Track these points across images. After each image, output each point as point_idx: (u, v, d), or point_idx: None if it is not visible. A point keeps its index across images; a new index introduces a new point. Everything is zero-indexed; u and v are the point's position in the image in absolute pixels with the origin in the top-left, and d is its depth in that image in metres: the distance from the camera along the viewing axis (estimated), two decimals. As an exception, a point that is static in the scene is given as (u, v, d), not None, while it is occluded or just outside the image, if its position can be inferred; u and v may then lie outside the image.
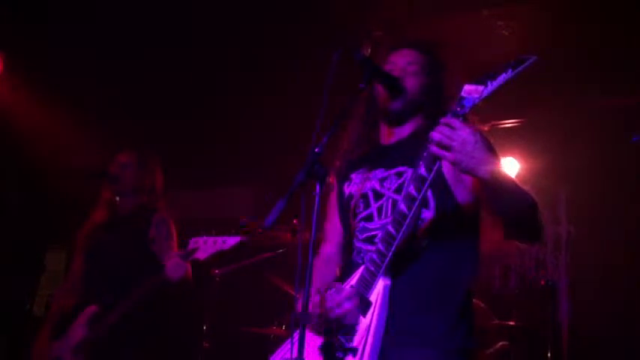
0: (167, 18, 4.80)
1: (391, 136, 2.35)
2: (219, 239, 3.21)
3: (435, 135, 1.83)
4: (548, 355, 4.16)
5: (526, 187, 2.04)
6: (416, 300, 2.08)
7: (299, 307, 1.84)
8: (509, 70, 1.79)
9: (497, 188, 1.90)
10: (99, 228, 3.67)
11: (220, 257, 4.94)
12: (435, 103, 2.27)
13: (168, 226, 3.57)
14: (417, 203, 1.95)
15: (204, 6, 4.65)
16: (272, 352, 2.25)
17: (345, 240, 2.40)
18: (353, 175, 2.37)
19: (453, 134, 1.81)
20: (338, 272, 2.37)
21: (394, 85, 2.23)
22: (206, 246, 3.21)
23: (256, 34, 4.90)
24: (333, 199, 2.46)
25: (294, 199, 1.85)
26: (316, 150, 1.89)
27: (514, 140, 5.35)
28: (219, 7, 4.65)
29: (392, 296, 2.03)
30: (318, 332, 2.10)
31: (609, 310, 4.70)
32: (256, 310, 5.17)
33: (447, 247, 2.14)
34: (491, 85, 1.81)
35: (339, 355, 2.02)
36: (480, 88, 1.83)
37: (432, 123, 2.02)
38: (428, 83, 2.31)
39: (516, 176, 5.30)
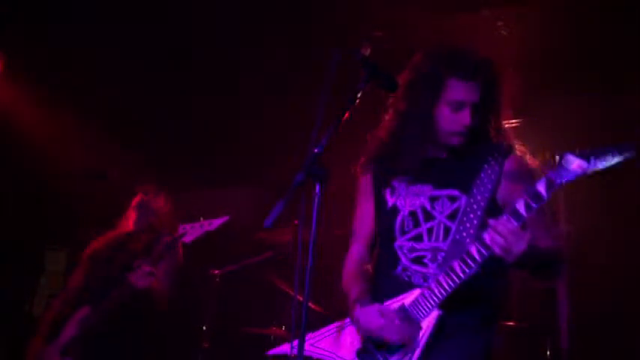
0: (168, 18, 4.80)
1: (437, 150, 2.32)
2: (206, 222, 3.28)
3: (499, 240, 1.89)
4: (548, 354, 4.16)
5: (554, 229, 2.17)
6: (461, 327, 2.16)
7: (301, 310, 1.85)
8: (618, 155, 1.80)
9: (527, 264, 2.02)
10: (104, 244, 3.73)
11: (219, 255, 4.98)
12: (489, 127, 2.29)
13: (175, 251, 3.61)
14: (485, 256, 1.98)
15: (204, 6, 4.66)
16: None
17: (376, 241, 2.42)
18: (395, 183, 2.35)
19: (515, 244, 1.87)
20: (370, 271, 2.38)
21: (391, 85, 2.23)
22: (193, 230, 3.29)
23: (256, 34, 4.90)
24: (367, 197, 2.44)
25: (294, 200, 1.86)
26: (316, 150, 1.89)
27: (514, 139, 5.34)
28: (219, 7, 4.65)
29: (441, 324, 2.10)
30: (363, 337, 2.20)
31: (609, 310, 4.70)
32: (256, 310, 5.17)
33: (492, 277, 2.20)
34: (594, 166, 1.83)
35: None
36: (584, 164, 1.84)
37: (482, 145, 2.18)
38: (487, 114, 2.29)
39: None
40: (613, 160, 1.79)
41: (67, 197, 5.70)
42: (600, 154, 1.81)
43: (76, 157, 5.63)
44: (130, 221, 3.75)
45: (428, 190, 2.26)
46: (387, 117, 2.39)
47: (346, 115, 2.03)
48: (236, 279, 4.86)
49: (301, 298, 1.80)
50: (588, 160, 1.82)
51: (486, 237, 1.94)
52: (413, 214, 2.27)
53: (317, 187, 1.85)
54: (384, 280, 2.30)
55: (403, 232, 2.29)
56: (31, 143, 5.60)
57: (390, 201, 2.35)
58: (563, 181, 1.86)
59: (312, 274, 1.78)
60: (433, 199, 2.25)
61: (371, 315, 2.14)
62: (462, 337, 2.16)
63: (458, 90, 2.23)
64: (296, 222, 4.47)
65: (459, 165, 2.25)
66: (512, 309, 4.59)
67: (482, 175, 2.13)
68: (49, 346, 3.44)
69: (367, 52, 2.29)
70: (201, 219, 3.31)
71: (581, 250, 5.13)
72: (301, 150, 1.97)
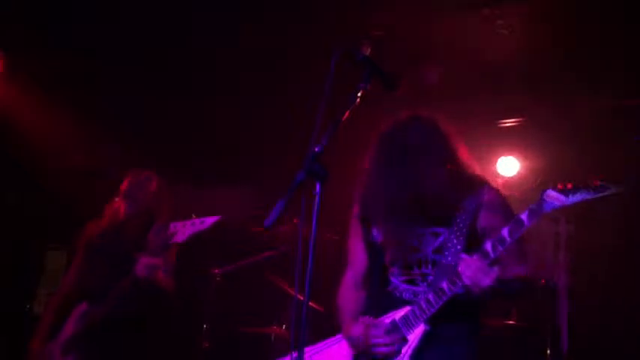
0: (167, 17, 4.80)
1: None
2: (197, 220, 3.19)
3: (468, 274, 2.14)
4: (548, 353, 4.16)
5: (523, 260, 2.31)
6: (445, 340, 2.32)
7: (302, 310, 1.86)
8: (592, 192, 2.01)
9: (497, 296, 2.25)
10: (100, 232, 3.69)
11: (220, 254, 4.97)
12: (448, 155, 2.47)
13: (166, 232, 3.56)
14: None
15: (204, 6, 4.66)
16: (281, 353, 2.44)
17: (370, 268, 2.59)
18: (382, 223, 2.52)
19: (482, 279, 2.12)
20: (365, 297, 2.57)
21: (391, 82, 2.23)
22: (184, 229, 3.19)
23: (256, 34, 4.90)
24: (357, 232, 2.62)
25: (295, 199, 1.85)
26: (316, 149, 1.89)
27: (514, 139, 5.35)
28: (219, 8, 4.66)
29: (427, 339, 2.28)
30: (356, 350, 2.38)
31: (609, 308, 4.70)
32: (256, 309, 5.16)
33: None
34: (572, 200, 2.05)
35: None
36: (562, 198, 2.07)
37: (459, 180, 2.39)
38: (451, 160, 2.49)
39: (517, 174, 5.32)
40: (589, 197, 2.01)
41: (68, 197, 5.71)
42: (578, 191, 2.04)
43: (77, 156, 5.63)
44: (120, 211, 3.69)
45: (414, 228, 2.45)
46: (369, 171, 2.59)
47: (347, 114, 2.03)
48: (236, 278, 4.86)
49: (302, 297, 1.80)
50: (567, 196, 2.05)
51: (459, 268, 2.18)
52: (401, 250, 2.46)
53: (317, 187, 1.84)
54: (378, 297, 2.50)
55: (393, 265, 2.50)
56: (31, 143, 5.60)
57: (377, 237, 2.55)
58: (543, 212, 2.09)
59: (313, 273, 1.78)
60: (419, 236, 2.44)
61: (361, 331, 2.35)
62: (446, 347, 2.32)
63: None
64: (296, 220, 4.47)
65: (440, 202, 2.42)
66: (512, 308, 4.59)
67: (462, 207, 2.38)
68: (50, 344, 3.41)
69: (367, 51, 2.29)
70: (193, 216, 3.24)
71: (581, 250, 5.15)
72: (302, 149, 1.97)
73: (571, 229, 5.26)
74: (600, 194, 1.99)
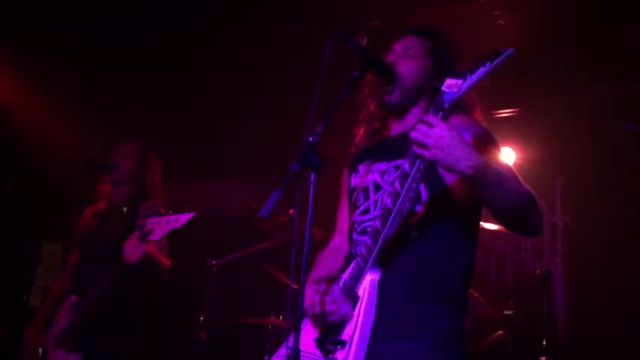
0: (166, 12, 4.79)
1: (397, 127, 2.36)
2: (172, 218, 3.08)
3: (413, 134, 1.86)
4: (544, 344, 4.17)
5: (523, 181, 2.05)
6: (404, 292, 2.08)
7: (298, 298, 1.84)
8: (487, 63, 1.78)
9: (484, 183, 1.90)
10: (93, 218, 3.68)
11: (217, 245, 4.97)
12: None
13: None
14: (400, 198, 1.96)
15: (204, 1, 4.66)
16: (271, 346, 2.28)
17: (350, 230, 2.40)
18: (360, 167, 2.38)
19: (429, 132, 1.82)
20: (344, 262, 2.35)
21: (387, 72, 2.22)
22: (160, 226, 3.09)
23: (253, 25, 4.89)
24: (344, 191, 2.47)
25: (290, 189, 1.85)
26: (310, 139, 1.88)
27: (511, 130, 5.34)
28: (218, 1, 4.65)
29: (381, 289, 2.05)
30: (315, 325, 2.14)
31: (605, 299, 4.72)
32: (254, 300, 5.17)
33: (438, 239, 2.12)
34: (471, 79, 1.81)
35: (330, 347, 2.05)
36: (460, 82, 1.82)
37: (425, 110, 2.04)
38: (428, 65, 2.30)
39: (512, 166, 5.31)
40: (490, 66, 1.78)
41: (65, 189, 5.70)
42: (474, 68, 1.81)
43: (74, 148, 5.62)
44: (107, 191, 3.64)
45: (382, 165, 2.27)
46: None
47: (342, 104, 2.02)
48: (233, 269, 4.86)
49: (297, 286, 1.80)
50: (465, 78, 1.82)
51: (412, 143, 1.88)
52: (365, 189, 2.27)
53: (312, 176, 1.84)
54: (345, 262, 2.28)
55: (355, 208, 2.29)
56: (28, 135, 5.58)
57: (352, 183, 2.38)
58: (446, 105, 1.84)
59: (308, 262, 1.78)
60: (383, 173, 2.25)
61: (307, 296, 2.10)
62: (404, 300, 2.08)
63: (392, 46, 2.41)
64: (291, 211, 4.47)
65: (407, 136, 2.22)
66: (508, 299, 4.60)
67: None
68: (44, 336, 3.41)
69: (364, 40, 2.28)
70: (170, 213, 3.15)
71: (577, 240, 5.16)
72: (298, 139, 1.96)
73: (567, 220, 5.27)
74: (497, 61, 1.74)
